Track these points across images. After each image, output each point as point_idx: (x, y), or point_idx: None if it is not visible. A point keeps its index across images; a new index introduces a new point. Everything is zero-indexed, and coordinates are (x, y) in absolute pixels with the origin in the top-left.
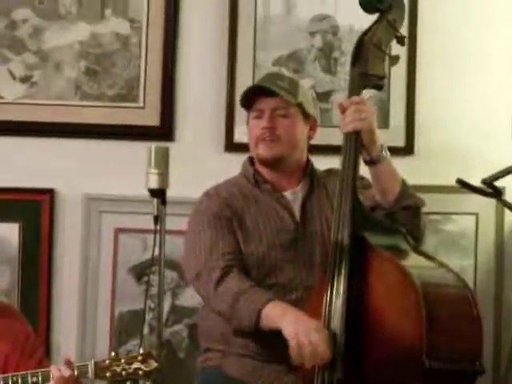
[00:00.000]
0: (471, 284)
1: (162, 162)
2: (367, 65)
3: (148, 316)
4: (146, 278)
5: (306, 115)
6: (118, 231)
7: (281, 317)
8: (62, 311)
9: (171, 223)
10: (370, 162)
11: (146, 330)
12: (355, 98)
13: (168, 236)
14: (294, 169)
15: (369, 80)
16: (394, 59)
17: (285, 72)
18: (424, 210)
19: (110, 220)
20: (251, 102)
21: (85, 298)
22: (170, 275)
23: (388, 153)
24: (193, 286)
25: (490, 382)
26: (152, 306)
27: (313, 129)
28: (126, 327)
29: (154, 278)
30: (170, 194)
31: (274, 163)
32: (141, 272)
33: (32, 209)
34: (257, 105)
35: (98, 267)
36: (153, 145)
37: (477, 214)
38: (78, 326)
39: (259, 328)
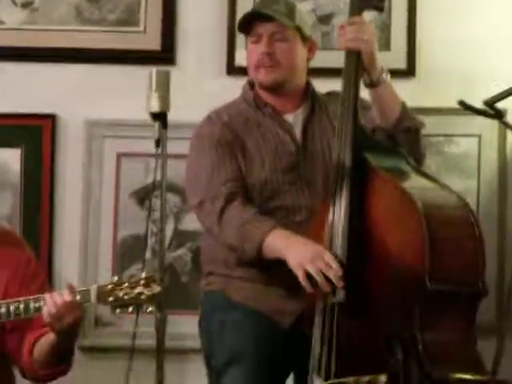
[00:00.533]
0: (474, 205)
1: (163, 86)
2: None
3: (150, 240)
4: (148, 203)
5: (304, 38)
6: (120, 155)
7: (284, 246)
8: (64, 236)
9: (173, 147)
10: (371, 85)
11: (148, 254)
12: (356, 19)
13: (170, 160)
14: (294, 92)
15: (369, 1)
16: None
17: None
18: (425, 132)
19: (111, 144)
20: (249, 26)
21: (87, 222)
22: (173, 199)
23: (388, 75)
24: (195, 214)
25: (494, 302)
26: (154, 230)
27: (312, 51)
28: (128, 252)
29: (157, 202)
30: (172, 117)
31: (274, 87)
32: (143, 196)
33: (33, 134)
34: (254, 29)
35: (100, 192)
36: (154, 68)
37: (479, 136)
38: (80, 251)
39: (263, 257)
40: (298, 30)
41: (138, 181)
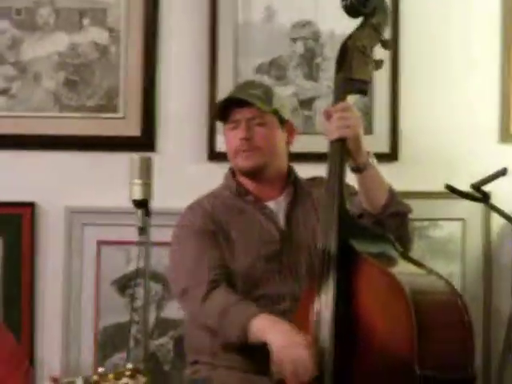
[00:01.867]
0: (459, 289)
1: (146, 173)
2: (352, 70)
3: (133, 329)
4: (129, 291)
5: (283, 121)
6: (101, 244)
7: (268, 329)
8: (45, 326)
9: (155, 234)
10: (357, 170)
11: (131, 343)
12: (341, 105)
13: (152, 248)
14: (275, 177)
15: (354, 85)
16: (379, 63)
17: (266, 80)
18: (411, 216)
19: (92, 232)
20: (226, 113)
21: (68, 311)
22: (155, 287)
23: (375, 159)
24: (179, 303)
25: None
26: (136, 318)
27: (291, 134)
28: (110, 340)
29: (139, 291)
30: (153, 204)
31: (254, 173)
32: (124, 284)
33: (13, 223)
34: (232, 116)
35: (80, 280)
36: (135, 155)
37: (463, 220)
38: (61, 340)
39: (247, 341)
40: (276, 113)
41: (118, 269)
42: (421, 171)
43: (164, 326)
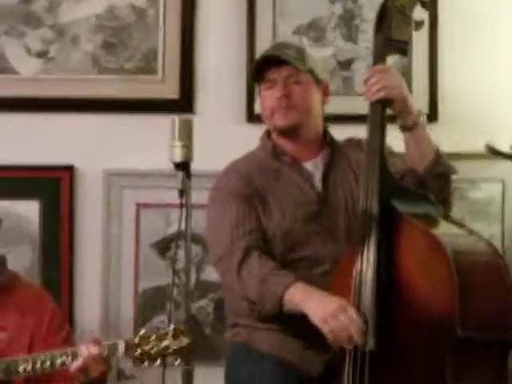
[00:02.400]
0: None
1: (186, 135)
2: (391, 30)
3: (173, 291)
4: (169, 253)
5: (318, 80)
6: (140, 206)
7: (304, 301)
8: (84, 289)
9: (194, 196)
10: (406, 128)
11: (171, 306)
12: (380, 67)
13: (192, 210)
14: (312, 138)
15: (393, 45)
16: (419, 24)
17: (304, 41)
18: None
19: (131, 195)
20: (261, 74)
21: (108, 274)
22: (195, 249)
23: (425, 118)
24: (215, 269)
25: None
26: (177, 281)
27: (326, 94)
28: (150, 303)
29: (179, 253)
30: (192, 166)
31: (291, 132)
32: (164, 247)
33: (52, 186)
34: (268, 75)
35: (120, 243)
36: (176, 117)
37: (503, 181)
38: (101, 303)
39: (283, 312)
40: (311, 72)
41: (158, 232)
42: (460, 132)
43: (204, 288)
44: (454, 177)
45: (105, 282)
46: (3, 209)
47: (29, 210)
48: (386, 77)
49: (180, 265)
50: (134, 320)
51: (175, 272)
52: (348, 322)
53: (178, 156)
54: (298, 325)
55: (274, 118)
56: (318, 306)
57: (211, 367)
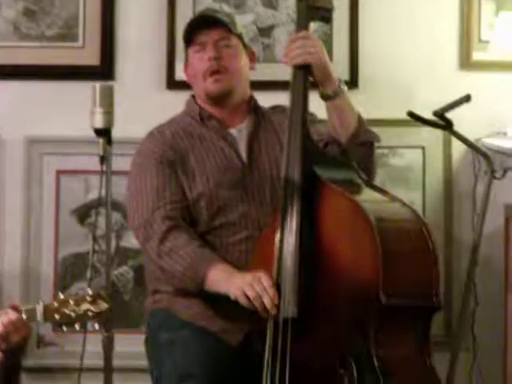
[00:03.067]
0: None
1: (107, 101)
2: None
3: (92, 258)
4: (89, 220)
5: (246, 46)
6: (60, 173)
7: (225, 284)
8: (4, 255)
9: (114, 163)
10: (327, 97)
11: (91, 272)
12: (302, 33)
13: (112, 177)
14: (238, 104)
15: (317, 12)
16: None
17: (225, 8)
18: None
19: (51, 162)
20: (191, 36)
21: (28, 241)
22: (115, 216)
23: (345, 87)
24: (134, 236)
25: (442, 318)
26: (97, 248)
27: (252, 60)
28: (70, 270)
29: (98, 220)
30: (113, 133)
31: (222, 97)
32: (84, 214)
33: None
34: (199, 38)
35: (40, 210)
36: (97, 83)
37: (423, 148)
38: (21, 269)
39: (204, 291)
40: (240, 38)
41: (78, 198)
42: (381, 99)
43: (123, 255)
44: (377, 144)
45: (25, 249)
46: None
47: None
48: (307, 43)
49: (100, 232)
50: (53, 286)
51: (95, 239)
52: (261, 291)
53: (99, 122)
54: (218, 294)
55: (206, 83)
56: (237, 282)
57: (130, 334)
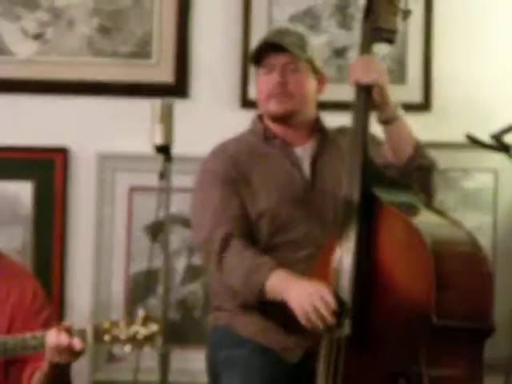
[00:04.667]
0: (490, 240)
1: (167, 118)
2: (379, 19)
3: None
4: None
5: (316, 70)
6: (132, 189)
7: (284, 290)
8: (76, 271)
9: (187, 181)
10: (384, 122)
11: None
12: (364, 57)
13: (184, 193)
14: (304, 124)
15: (380, 34)
16: (406, 13)
17: (300, 28)
18: (439, 168)
19: (123, 178)
20: (261, 57)
21: (99, 257)
22: (186, 233)
23: (402, 112)
24: (198, 254)
25: (509, 340)
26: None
27: (322, 84)
28: (141, 286)
29: (172, 237)
30: (185, 151)
31: (285, 118)
32: (156, 230)
33: (45, 167)
34: (267, 60)
35: (112, 226)
36: (157, 101)
37: (495, 170)
38: (92, 285)
39: (264, 301)
40: (310, 62)
41: (150, 215)
42: (454, 122)
43: (194, 272)
44: (435, 169)
45: (96, 265)
46: None
47: (22, 191)
48: (368, 65)
49: (170, 249)
50: (125, 303)
51: (167, 255)
52: (320, 304)
53: (158, 139)
54: (278, 311)
55: (269, 103)
56: (297, 293)
57: (201, 350)
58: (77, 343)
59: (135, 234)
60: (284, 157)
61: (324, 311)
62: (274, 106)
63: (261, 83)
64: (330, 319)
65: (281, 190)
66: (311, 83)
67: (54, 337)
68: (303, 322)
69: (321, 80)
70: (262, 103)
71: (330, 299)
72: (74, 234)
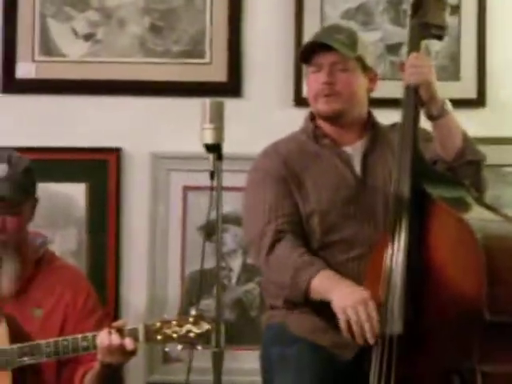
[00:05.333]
0: None
1: (217, 117)
2: (427, 14)
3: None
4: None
5: (366, 68)
6: (187, 189)
7: (330, 290)
8: (131, 272)
9: (240, 180)
10: (431, 117)
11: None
12: (413, 54)
13: (237, 193)
14: (354, 123)
15: (429, 30)
16: (454, 9)
17: (353, 25)
18: (491, 162)
19: (178, 178)
20: (310, 56)
21: (154, 257)
22: (241, 233)
23: (450, 107)
24: (248, 252)
25: None
26: (223, 264)
27: (373, 82)
28: (196, 287)
29: (226, 236)
30: (238, 150)
31: (333, 118)
32: (210, 230)
33: (99, 169)
34: (315, 59)
35: (167, 226)
36: (207, 99)
37: None
38: (147, 286)
39: (309, 299)
40: (359, 60)
41: (204, 214)
42: (509, 117)
43: (250, 271)
44: (485, 163)
45: (151, 265)
46: (51, 191)
47: (76, 193)
48: (418, 63)
49: (226, 248)
50: (180, 303)
51: (221, 255)
52: (364, 318)
53: (209, 138)
54: (331, 310)
55: (318, 103)
56: (342, 296)
57: (257, 350)
58: (128, 343)
59: (190, 233)
60: (334, 156)
61: (367, 329)
62: (322, 106)
63: (310, 82)
64: (371, 340)
65: (332, 189)
66: (361, 82)
67: (105, 337)
68: (343, 328)
69: (372, 78)
70: (311, 102)
71: (375, 315)
72: (129, 235)
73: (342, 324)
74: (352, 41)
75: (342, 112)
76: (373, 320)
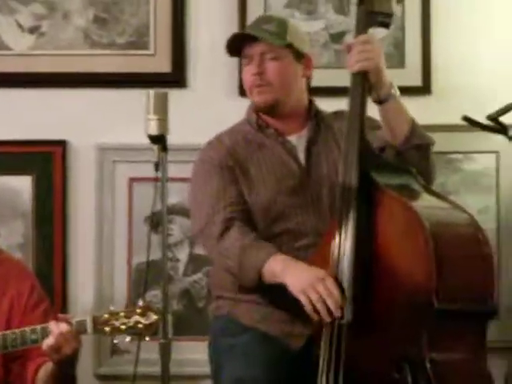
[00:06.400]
0: (494, 222)
1: (161, 108)
2: (373, 2)
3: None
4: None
5: (299, 54)
6: (132, 181)
7: (284, 272)
8: (78, 263)
9: (186, 171)
10: (379, 101)
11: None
12: (361, 37)
13: (182, 183)
14: (295, 112)
15: (375, 18)
16: None
17: (297, 15)
18: (443, 149)
19: (123, 170)
20: (239, 48)
21: (101, 249)
22: (187, 223)
23: (397, 91)
24: (197, 242)
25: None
26: (170, 255)
27: (308, 67)
28: (143, 277)
29: (173, 227)
30: (183, 141)
31: (270, 109)
32: (156, 221)
33: (44, 161)
34: (245, 51)
35: (113, 217)
36: (150, 91)
37: (497, 152)
38: (94, 278)
39: (263, 283)
40: (290, 47)
41: (150, 206)
42: (453, 104)
43: (197, 262)
44: (432, 147)
45: (98, 257)
46: None
47: (21, 185)
48: (366, 48)
49: (173, 239)
50: (127, 294)
51: (167, 246)
52: (326, 294)
53: (153, 129)
54: (280, 298)
55: (253, 96)
56: (297, 277)
57: (204, 340)
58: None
59: (136, 225)
60: (278, 145)
61: (331, 304)
62: (256, 98)
63: (244, 75)
64: (337, 312)
65: (277, 179)
66: (294, 69)
67: (55, 326)
68: (308, 310)
69: (307, 64)
70: (248, 95)
71: (335, 289)
72: (75, 227)
73: (306, 305)
74: (282, 29)
75: (276, 102)
76: (334, 294)
